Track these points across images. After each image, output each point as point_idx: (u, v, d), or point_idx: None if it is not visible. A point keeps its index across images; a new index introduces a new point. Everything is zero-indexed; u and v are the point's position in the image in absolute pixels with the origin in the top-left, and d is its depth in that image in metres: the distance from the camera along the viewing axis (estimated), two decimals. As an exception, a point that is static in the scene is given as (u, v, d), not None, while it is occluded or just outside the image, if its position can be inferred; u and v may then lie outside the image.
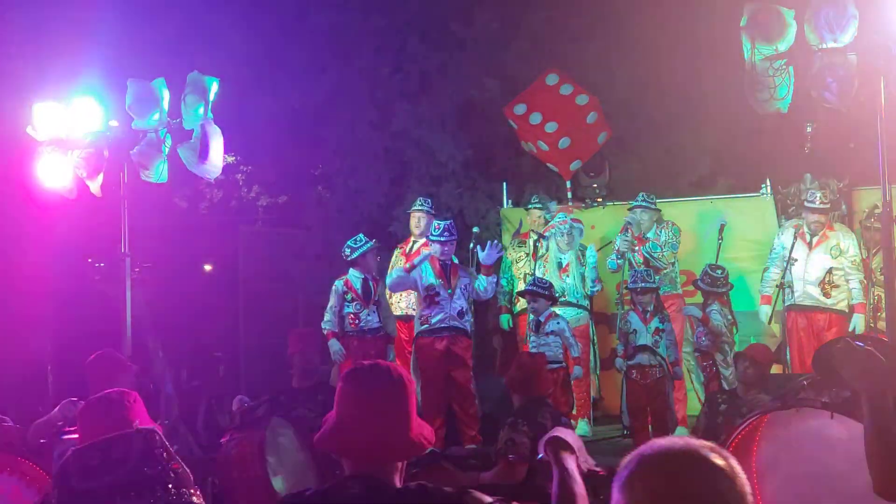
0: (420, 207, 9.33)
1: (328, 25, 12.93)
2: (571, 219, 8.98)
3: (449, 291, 8.13)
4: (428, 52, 12.77)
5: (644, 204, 8.78)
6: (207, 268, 15.09)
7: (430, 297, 8.12)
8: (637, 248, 8.61)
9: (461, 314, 8.18)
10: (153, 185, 8.05)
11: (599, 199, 10.12)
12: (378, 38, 12.91)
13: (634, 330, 7.73)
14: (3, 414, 5.73)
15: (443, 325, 8.14)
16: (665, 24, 11.72)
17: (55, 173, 7.91)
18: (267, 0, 12.94)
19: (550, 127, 9.45)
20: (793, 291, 8.24)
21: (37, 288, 10.36)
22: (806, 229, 8.33)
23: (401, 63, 12.89)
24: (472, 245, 9.08)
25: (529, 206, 9.46)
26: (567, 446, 2.63)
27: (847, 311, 8.26)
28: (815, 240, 8.27)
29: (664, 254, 8.58)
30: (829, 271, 8.19)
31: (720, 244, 8.68)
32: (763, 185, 9.74)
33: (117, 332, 8.04)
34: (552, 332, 7.90)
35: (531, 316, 8.19)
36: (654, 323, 7.72)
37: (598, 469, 2.93)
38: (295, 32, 13.06)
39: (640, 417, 7.66)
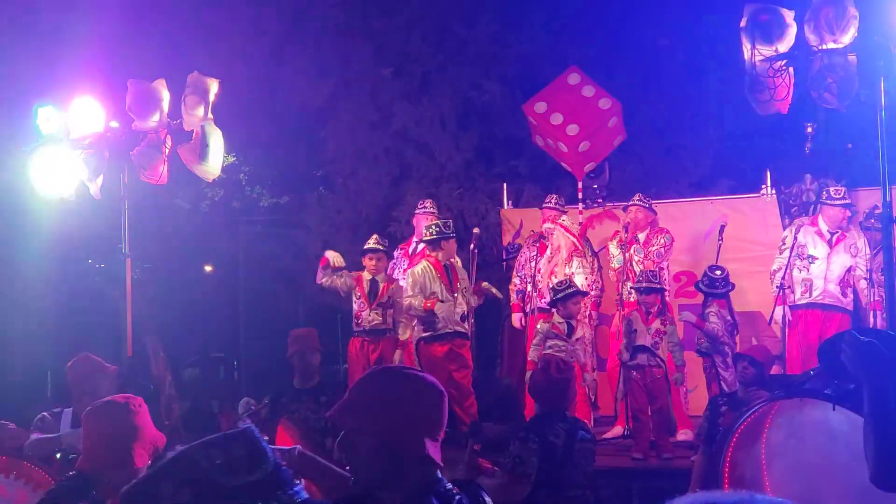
0: (425, 210, 9.34)
1: (329, 26, 12.94)
2: (560, 223, 8.94)
3: (453, 296, 8.14)
4: (428, 54, 12.78)
5: (639, 204, 8.75)
6: (208, 268, 15.10)
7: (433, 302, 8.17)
8: (626, 247, 8.57)
9: (463, 318, 8.18)
10: (153, 186, 8.04)
11: (599, 200, 10.11)
12: (378, 39, 12.92)
13: (635, 330, 7.71)
14: (3, 415, 5.75)
15: (447, 331, 8.17)
16: (665, 24, 11.75)
17: (55, 174, 7.91)
18: (268, 1, 12.95)
19: (572, 130, 9.39)
20: (811, 290, 8.17)
21: (37, 289, 10.38)
22: (824, 227, 8.27)
23: (401, 64, 12.90)
24: (472, 247, 9.07)
25: (544, 205, 9.42)
26: None
27: (852, 311, 8.23)
28: (834, 238, 8.23)
29: (646, 262, 8.51)
30: (849, 270, 8.14)
31: (720, 245, 8.65)
32: (763, 186, 9.73)
33: (117, 333, 8.04)
34: (580, 339, 7.90)
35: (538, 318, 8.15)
36: (656, 324, 7.70)
37: None
38: (295, 33, 13.08)
39: (640, 418, 7.65)
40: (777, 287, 8.27)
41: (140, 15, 11.90)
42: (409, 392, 2.41)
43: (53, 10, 11.27)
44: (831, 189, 8.30)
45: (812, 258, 8.17)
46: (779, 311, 8.28)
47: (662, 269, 8.60)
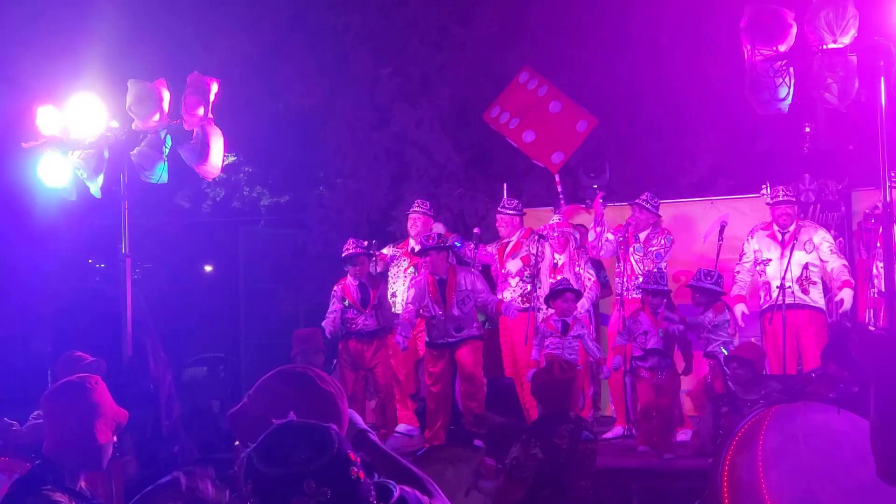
0: (416, 210, 9.32)
1: (327, 26, 12.95)
2: (556, 223, 8.92)
3: (445, 309, 8.13)
4: (427, 54, 12.78)
5: (642, 204, 8.73)
6: (208, 268, 15.11)
7: (425, 318, 8.22)
8: (625, 246, 8.57)
9: (459, 329, 8.14)
10: (153, 186, 8.04)
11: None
12: (377, 40, 12.92)
13: (645, 332, 7.70)
14: (2, 414, 5.74)
15: (439, 342, 8.19)
16: (665, 24, 11.74)
17: (55, 174, 7.91)
18: (267, 1, 12.95)
19: (513, 123, 9.56)
20: (769, 292, 8.23)
21: (37, 288, 10.37)
22: (775, 227, 8.32)
23: (400, 65, 12.91)
24: (472, 247, 9.08)
25: (500, 210, 9.46)
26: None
27: (824, 308, 8.22)
28: (786, 237, 8.27)
29: (644, 261, 8.50)
30: (806, 267, 8.11)
31: (720, 245, 8.65)
32: (763, 186, 9.72)
33: (117, 333, 8.03)
34: (577, 336, 7.88)
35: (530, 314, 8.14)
36: (665, 325, 7.69)
37: None
38: (295, 34, 13.08)
39: (647, 418, 7.65)
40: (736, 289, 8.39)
41: (140, 15, 11.89)
42: (296, 397, 2.37)
43: (53, 10, 11.27)
44: (780, 189, 8.37)
45: (766, 261, 8.25)
46: (738, 308, 8.26)
47: (661, 269, 8.61)
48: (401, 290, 9.09)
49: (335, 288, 8.66)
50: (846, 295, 8.05)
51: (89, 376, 3.33)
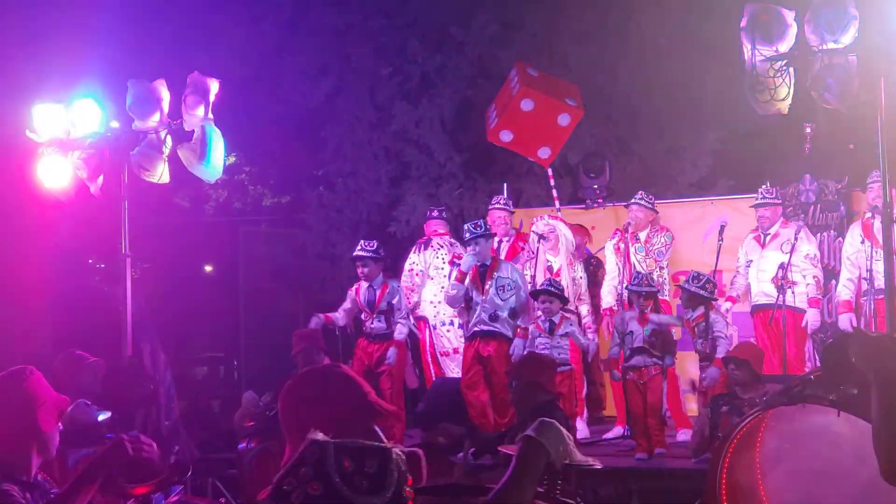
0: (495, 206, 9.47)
1: (328, 26, 12.94)
2: (545, 224, 8.90)
3: (483, 294, 8.11)
4: (427, 54, 12.77)
5: (640, 202, 8.75)
6: (208, 268, 15.11)
7: (467, 303, 8.17)
8: (625, 246, 8.58)
9: (493, 318, 8.08)
10: (154, 186, 8.05)
11: (600, 200, 10.13)
12: (377, 39, 12.92)
13: (631, 331, 7.71)
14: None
15: (474, 329, 8.14)
16: (666, 24, 11.73)
17: (55, 174, 7.91)
18: (267, 1, 12.94)
19: (493, 123, 9.59)
20: (750, 293, 8.33)
21: (37, 288, 10.37)
22: (761, 229, 8.41)
23: (400, 64, 12.90)
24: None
25: (491, 206, 9.51)
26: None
27: (804, 308, 8.24)
28: (767, 238, 8.32)
29: (647, 260, 8.51)
30: (782, 267, 8.10)
31: (720, 245, 8.66)
32: (763, 186, 9.72)
33: (117, 333, 8.04)
34: (565, 335, 7.89)
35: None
36: (650, 326, 7.70)
37: (591, 463, 2.87)
38: (295, 33, 13.08)
39: (638, 418, 7.65)
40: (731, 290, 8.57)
41: (140, 15, 11.89)
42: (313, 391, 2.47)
43: (53, 10, 11.27)
44: (761, 191, 8.44)
45: (749, 262, 8.39)
46: (724, 305, 8.39)
47: (663, 267, 8.62)
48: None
49: (351, 288, 8.73)
50: (810, 316, 8.11)
51: (24, 367, 3.29)
